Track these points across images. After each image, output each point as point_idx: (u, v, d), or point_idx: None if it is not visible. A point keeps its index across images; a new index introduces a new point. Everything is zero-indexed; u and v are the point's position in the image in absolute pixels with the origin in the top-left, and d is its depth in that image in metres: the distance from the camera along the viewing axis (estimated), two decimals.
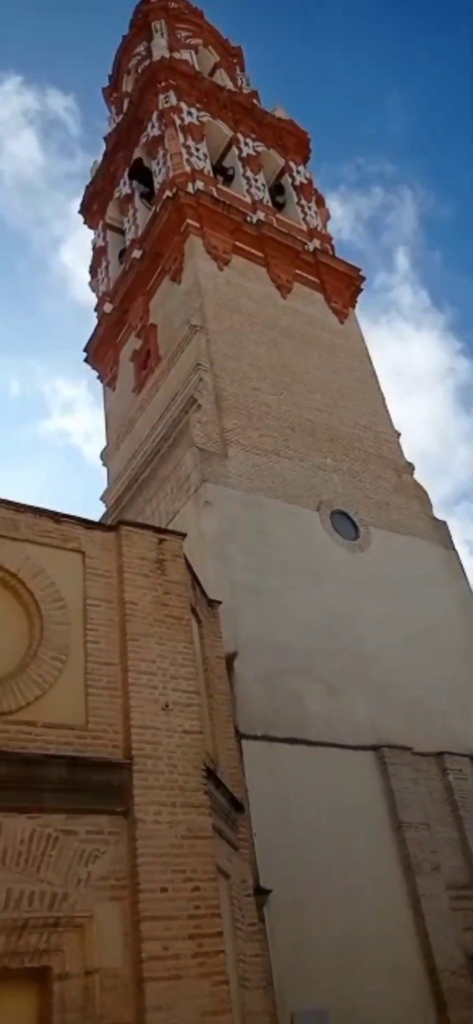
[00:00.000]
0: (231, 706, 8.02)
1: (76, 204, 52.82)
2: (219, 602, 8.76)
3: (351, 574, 13.21)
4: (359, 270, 17.66)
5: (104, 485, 17.02)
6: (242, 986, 6.19)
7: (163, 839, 5.56)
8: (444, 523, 15.36)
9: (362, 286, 17.66)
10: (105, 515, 15.63)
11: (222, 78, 19.67)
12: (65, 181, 52.66)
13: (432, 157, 51.05)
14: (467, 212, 50.20)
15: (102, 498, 16.60)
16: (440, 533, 15.07)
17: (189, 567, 7.24)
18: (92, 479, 52.71)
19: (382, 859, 10.64)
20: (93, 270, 19.22)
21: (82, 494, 50.24)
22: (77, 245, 53.45)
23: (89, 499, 52.12)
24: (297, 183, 18.53)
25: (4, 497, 6.28)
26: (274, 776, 10.02)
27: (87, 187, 20.04)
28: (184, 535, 7.08)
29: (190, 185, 15.84)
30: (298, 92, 48.09)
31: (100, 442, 52.58)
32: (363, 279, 17.70)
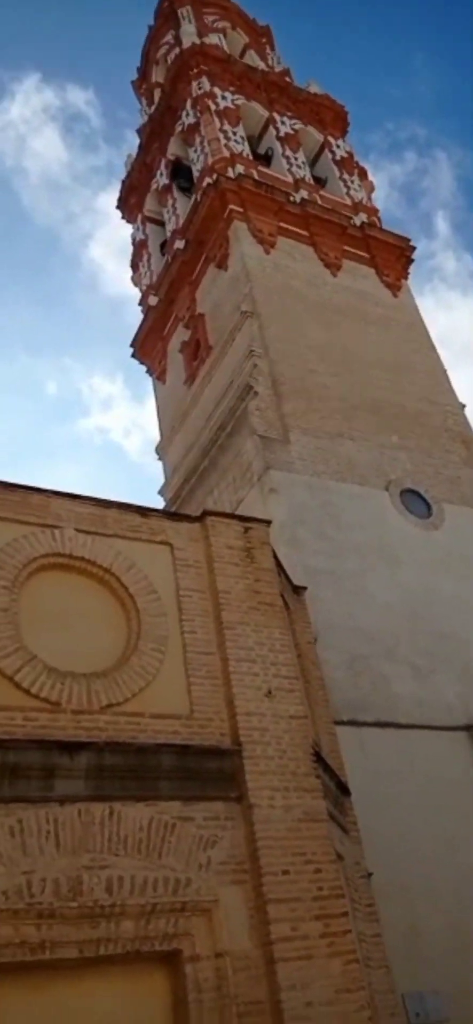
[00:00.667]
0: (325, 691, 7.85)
1: (103, 198, 52.75)
2: (305, 588, 8.64)
3: (427, 553, 12.87)
4: (409, 240, 17.23)
5: (148, 479, 17.17)
6: (367, 966, 6.08)
7: (280, 823, 5.48)
8: None
9: (413, 256, 17.19)
10: (165, 508, 15.60)
11: (253, 59, 19.43)
12: (91, 175, 53.06)
13: (464, 116, 49.58)
14: None
15: (160, 492, 16.53)
16: None
17: (274, 554, 7.12)
18: (134, 474, 53.02)
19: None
20: (134, 264, 19.13)
21: (126, 489, 50.64)
22: (107, 239, 53.68)
23: (134, 493, 52.56)
24: (337, 158, 18.19)
25: (90, 495, 6.29)
26: (366, 760, 9.82)
27: (123, 181, 19.99)
28: (269, 522, 6.99)
29: (230, 170, 15.66)
30: (320, 61, 47.40)
31: (139, 436, 52.96)
32: (413, 249, 17.24)
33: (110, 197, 54.34)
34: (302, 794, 5.67)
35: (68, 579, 5.99)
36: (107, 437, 52.55)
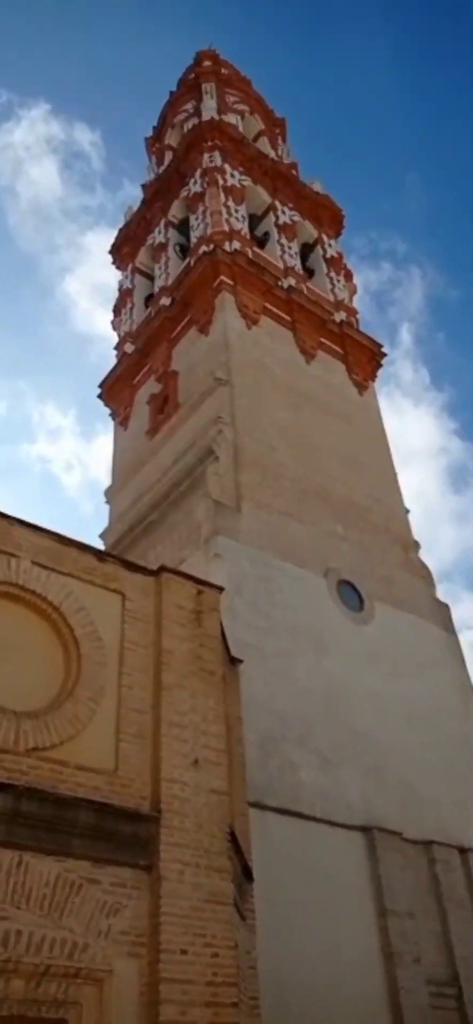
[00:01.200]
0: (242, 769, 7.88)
1: (89, 237, 53.63)
2: (241, 660, 8.71)
3: (353, 646, 13.21)
4: (381, 346, 18.19)
5: (80, 518, 17.16)
6: None
7: (185, 900, 5.44)
8: (446, 606, 15.50)
9: (383, 362, 18.12)
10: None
11: (265, 145, 20.41)
12: (80, 213, 53.67)
13: (444, 239, 52.97)
14: None
15: (102, 536, 16.51)
16: (442, 615, 15.20)
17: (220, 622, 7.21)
18: (69, 509, 52.26)
19: (365, 944, 10.46)
20: (117, 309, 19.61)
21: (57, 524, 49.59)
22: (84, 277, 54.14)
23: (65, 528, 51.48)
24: (328, 255, 19.15)
25: (52, 529, 6.25)
26: (263, 845, 9.83)
27: (120, 230, 20.53)
28: (222, 588, 7.07)
29: (227, 243, 16.28)
30: (320, 155, 49.96)
31: (80, 473, 52.55)
32: (384, 355, 18.19)
33: (96, 238, 55.05)
34: (211, 873, 5.66)
35: (15, 610, 5.89)
36: (46, 467, 51.74)
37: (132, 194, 54.14)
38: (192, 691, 6.27)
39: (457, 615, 15.56)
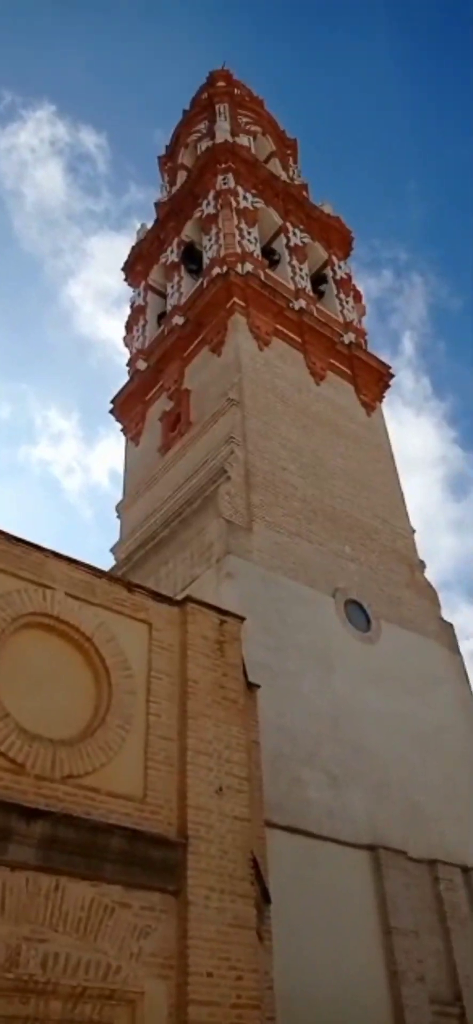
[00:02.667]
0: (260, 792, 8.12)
1: (93, 241, 53.99)
2: (258, 686, 8.94)
3: (360, 665, 13.45)
4: (389, 368, 18.49)
5: (80, 523, 17.39)
6: None
7: (211, 924, 5.67)
8: (451, 625, 15.76)
9: (391, 383, 18.43)
10: (114, 568, 15.77)
11: (276, 167, 20.74)
12: (85, 217, 53.96)
13: (446, 248, 53.33)
14: None
15: (112, 550, 16.77)
16: (447, 635, 15.45)
17: None
18: (69, 514, 52.44)
19: (370, 962, 10.65)
20: (129, 326, 19.90)
21: (56, 528, 49.88)
22: (87, 281, 54.40)
23: (64, 533, 51.85)
24: (337, 277, 19.46)
25: (85, 561, 6.50)
26: (272, 862, 10.03)
27: (133, 248, 20.85)
28: (243, 619, 7.31)
29: (240, 266, 16.57)
30: (321, 168, 50.35)
31: (81, 478, 52.72)
32: (392, 376, 18.50)
33: (100, 242, 55.27)
34: (235, 898, 5.89)
35: (49, 640, 6.13)
36: (47, 470, 51.93)
37: (137, 199, 54.47)
38: (216, 719, 6.51)
39: (456, 624, 15.75)
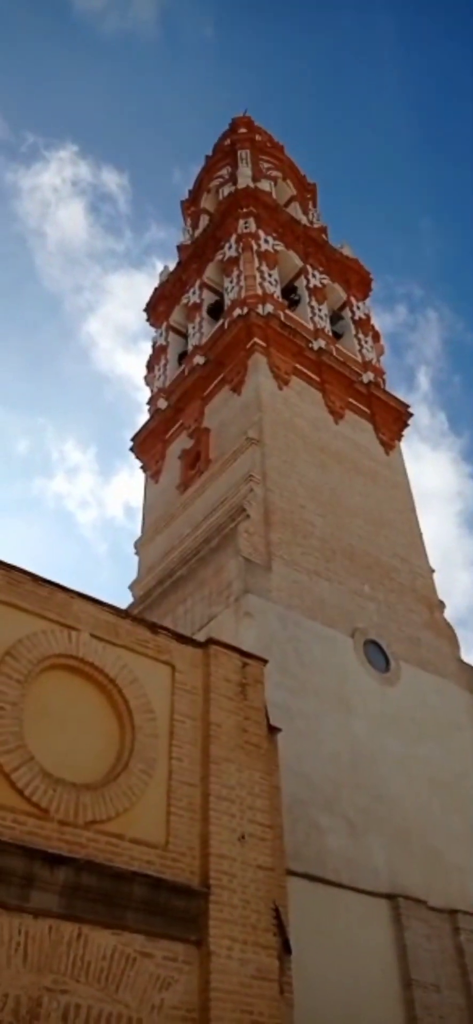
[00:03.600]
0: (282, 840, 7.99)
1: (113, 279, 54.96)
2: (279, 729, 8.85)
3: (379, 708, 13.26)
4: (408, 406, 18.53)
5: (93, 557, 17.44)
6: None
7: (234, 976, 5.57)
8: (471, 667, 15.52)
9: (410, 422, 18.47)
10: (131, 605, 15.80)
11: (296, 211, 21.09)
12: (106, 256, 54.99)
13: (461, 283, 53.63)
14: None
15: (131, 587, 16.81)
16: (467, 677, 15.21)
17: None
18: (83, 548, 52.54)
19: (389, 1017, 10.34)
20: (150, 365, 20.20)
21: (71, 562, 50.07)
22: (106, 317, 55.27)
23: (77, 567, 52.06)
24: (356, 317, 19.64)
25: (109, 603, 6.53)
26: (291, 912, 9.84)
27: (155, 289, 21.26)
28: (266, 661, 7.27)
29: (260, 307, 16.81)
30: (336, 206, 51.03)
31: (95, 512, 52.97)
32: (411, 415, 18.53)
33: (120, 279, 56.31)
34: (258, 949, 5.79)
35: (73, 681, 6.14)
36: (61, 503, 52.28)
37: (158, 237, 55.52)
38: (239, 764, 6.45)
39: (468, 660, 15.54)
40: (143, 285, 57.46)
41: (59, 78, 49.99)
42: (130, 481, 58.05)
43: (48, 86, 49.54)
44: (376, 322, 20.32)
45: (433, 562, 16.82)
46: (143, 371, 20.48)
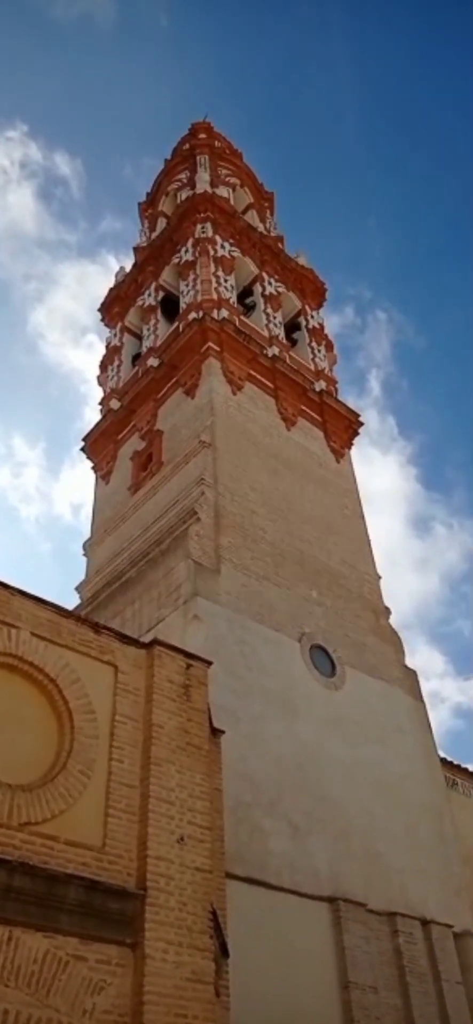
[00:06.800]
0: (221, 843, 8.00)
1: (62, 268, 54.21)
2: (223, 731, 8.87)
3: (324, 711, 13.45)
4: (358, 415, 18.91)
5: (36, 555, 17.20)
6: None
7: (168, 979, 5.53)
8: (414, 672, 15.91)
9: (360, 431, 18.81)
10: (79, 607, 15.61)
11: (253, 218, 21.34)
12: (57, 246, 54.14)
13: (409, 287, 54.68)
14: (440, 344, 53.69)
15: (78, 588, 16.61)
16: (410, 682, 15.58)
17: None
18: (26, 544, 51.49)
19: (326, 1018, 10.48)
20: (103, 365, 20.10)
21: (11, 557, 48.91)
22: (54, 308, 54.43)
23: (20, 563, 50.90)
24: (310, 326, 19.95)
25: (51, 601, 6.43)
26: (230, 914, 9.85)
27: (110, 290, 21.17)
28: (210, 663, 7.28)
29: (216, 311, 16.90)
30: (284, 205, 51.34)
31: (40, 507, 52.03)
32: (361, 424, 18.89)
33: (70, 270, 55.53)
34: (194, 952, 5.77)
35: (12, 680, 6.02)
36: (2, 495, 51.10)
37: (114, 227, 54.89)
38: (179, 766, 6.43)
39: (416, 667, 15.98)
40: (95, 277, 56.66)
41: (8, 57, 48.83)
42: (79, 479, 57.18)
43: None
44: (325, 323, 20.65)
45: (380, 565, 17.19)
46: (92, 365, 20.45)
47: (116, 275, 21.59)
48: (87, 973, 5.29)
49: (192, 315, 16.94)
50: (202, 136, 21.87)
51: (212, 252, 18.10)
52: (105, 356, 20.11)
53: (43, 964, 5.11)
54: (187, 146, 21.91)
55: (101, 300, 21.35)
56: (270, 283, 19.55)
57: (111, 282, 21.56)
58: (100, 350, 20.43)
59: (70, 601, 16.18)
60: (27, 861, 5.27)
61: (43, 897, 5.25)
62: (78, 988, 5.21)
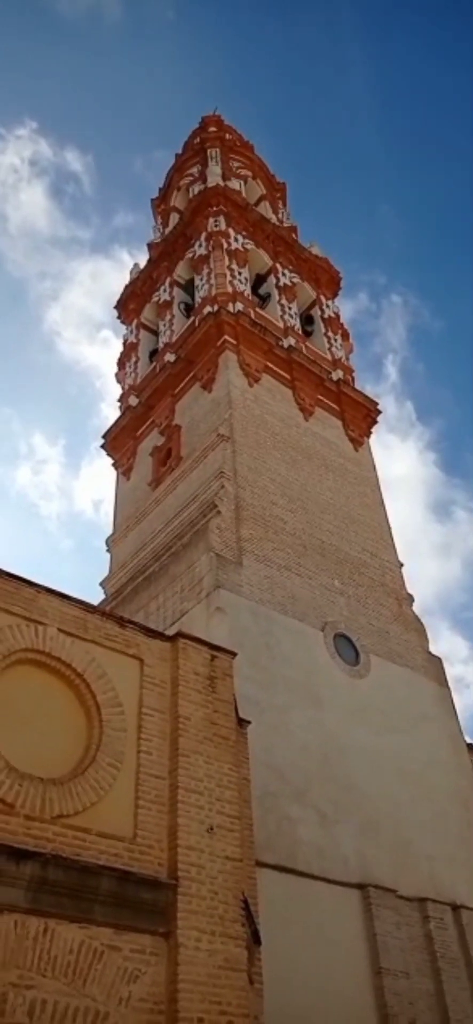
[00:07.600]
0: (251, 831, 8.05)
1: (76, 264, 54.50)
2: (249, 722, 8.92)
3: (349, 700, 13.43)
4: (377, 403, 18.80)
5: (57, 552, 17.37)
6: None
7: (202, 967, 5.59)
8: (439, 659, 15.81)
9: (378, 419, 18.70)
10: (104, 601, 15.77)
11: (266, 210, 21.26)
12: (70, 242, 54.36)
13: (424, 268, 54.02)
14: (458, 327, 52.97)
15: (102, 584, 16.75)
16: (435, 669, 15.49)
17: None
18: (47, 540, 51.97)
19: (359, 1005, 10.50)
20: (121, 362, 20.22)
21: (35, 551, 49.41)
22: (69, 305, 54.70)
23: (42, 560, 51.37)
24: (325, 316, 19.85)
25: (77, 597, 6.50)
26: (261, 902, 9.91)
27: (126, 287, 21.26)
28: (235, 654, 7.32)
29: (231, 305, 16.89)
30: (296, 194, 51.11)
31: (61, 504, 52.50)
32: (380, 412, 18.78)
33: (83, 266, 55.70)
34: (226, 940, 5.83)
35: (40, 676, 6.11)
36: (25, 494, 51.53)
37: (127, 222, 54.96)
38: (207, 757, 6.49)
39: (440, 653, 15.92)
40: (109, 273, 56.84)
41: (15, 55, 48.99)
42: (100, 475, 57.57)
43: (2, 63, 48.46)
44: (341, 312, 20.53)
45: (401, 552, 17.10)
46: (108, 361, 20.61)
47: (131, 272, 21.70)
48: (122, 963, 5.36)
49: (207, 309, 16.96)
50: (212, 129, 21.81)
51: (225, 245, 18.08)
52: (122, 353, 20.22)
53: (79, 954, 5.19)
54: (197, 140, 21.87)
55: (115, 295, 21.57)
56: (284, 274, 19.48)
57: (125, 277, 21.75)
58: (115, 345, 20.71)
59: (94, 596, 16.37)
60: (60, 854, 5.36)
61: (77, 889, 5.34)
62: (114, 977, 5.29)
